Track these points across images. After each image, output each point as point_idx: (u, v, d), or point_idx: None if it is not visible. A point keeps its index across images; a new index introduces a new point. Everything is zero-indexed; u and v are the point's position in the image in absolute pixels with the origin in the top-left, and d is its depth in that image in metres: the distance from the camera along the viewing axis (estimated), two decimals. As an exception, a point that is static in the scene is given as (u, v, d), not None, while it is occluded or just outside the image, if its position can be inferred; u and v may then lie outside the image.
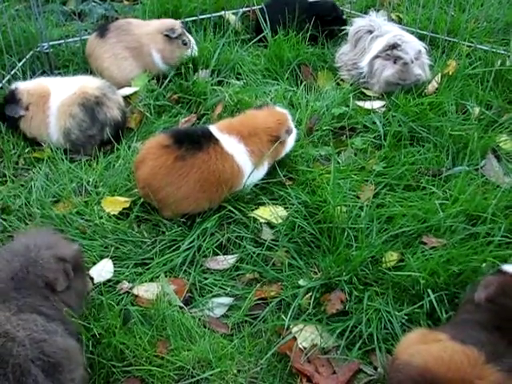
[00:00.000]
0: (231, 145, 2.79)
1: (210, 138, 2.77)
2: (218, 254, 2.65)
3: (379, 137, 3.29)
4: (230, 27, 4.17)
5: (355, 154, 3.21)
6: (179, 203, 2.72)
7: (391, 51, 3.61)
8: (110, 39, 3.67)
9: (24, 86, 3.25)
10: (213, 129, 2.84)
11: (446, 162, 3.12)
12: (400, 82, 3.60)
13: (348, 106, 3.48)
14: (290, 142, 3.00)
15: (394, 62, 3.60)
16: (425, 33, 4.11)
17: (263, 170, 2.92)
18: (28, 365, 1.74)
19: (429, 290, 2.36)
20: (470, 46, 3.99)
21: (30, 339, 1.79)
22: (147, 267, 2.58)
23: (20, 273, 1.97)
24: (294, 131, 3.02)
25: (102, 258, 2.59)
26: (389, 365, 2.13)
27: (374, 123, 3.36)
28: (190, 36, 3.81)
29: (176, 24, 3.73)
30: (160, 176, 2.69)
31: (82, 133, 3.19)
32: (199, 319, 2.37)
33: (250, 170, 2.83)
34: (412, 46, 3.65)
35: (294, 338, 2.28)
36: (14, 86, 3.29)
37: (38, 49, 3.87)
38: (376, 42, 3.76)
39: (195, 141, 2.74)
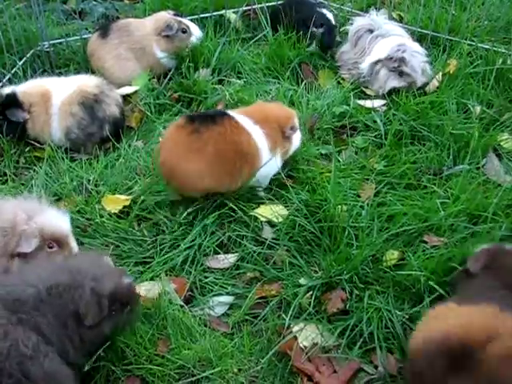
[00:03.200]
0: (248, 124, 2.78)
1: (225, 115, 2.78)
2: (218, 253, 2.65)
3: (380, 135, 3.29)
4: (231, 26, 4.16)
5: (356, 153, 3.21)
6: (199, 180, 2.69)
7: (398, 65, 3.60)
8: (112, 40, 3.67)
9: (22, 89, 3.21)
10: (229, 111, 2.86)
11: (447, 161, 3.12)
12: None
13: (349, 105, 3.47)
14: (296, 141, 2.99)
15: (400, 75, 3.61)
16: (426, 32, 4.10)
17: (278, 161, 2.89)
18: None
19: (432, 286, 2.36)
20: (471, 45, 3.98)
21: (12, 350, 1.76)
22: (148, 266, 2.58)
23: (57, 289, 1.94)
24: (299, 131, 3.01)
25: (102, 256, 2.60)
26: (407, 360, 2.11)
27: (375, 122, 3.35)
28: (185, 20, 3.79)
29: (169, 19, 3.71)
30: (176, 153, 2.67)
31: (81, 131, 3.18)
32: (200, 318, 2.38)
33: (267, 152, 2.81)
34: (418, 60, 3.65)
35: (295, 337, 2.28)
36: (9, 90, 3.20)
37: (39, 48, 3.86)
38: (377, 43, 3.75)
39: (209, 116, 2.75)
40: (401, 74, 3.61)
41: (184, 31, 3.74)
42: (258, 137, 2.78)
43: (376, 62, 3.69)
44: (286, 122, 2.90)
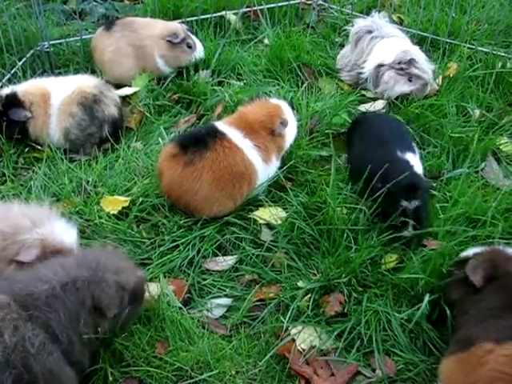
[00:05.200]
0: (238, 139, 2.78)
1: (216, 134, 2.76)
2: (217, 255, 2.65)
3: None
4: (231, 27, 4.16)
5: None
6: (202, 207, 2.72)
7: (407, 67, 3.55)
8: (115, 33, 3.66)
9: (22, 88, 3.19)
10: (219, 124, 2.85)
11: (446, 165, 3.12)
12: (414, 97, 3.57)
13: (349, 113, 3.45)
14: (290, 133, 2.95)
15: (410, 80, 3.56)
16: (426, 34, 4.10)
17: (274, 165, 2.89)
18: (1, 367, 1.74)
19: (430, 289, 2.36)
20: (470, 48, 3.98)
21: (18, 345, 1.78)
22: (147, 268, 2.57)
23: (74, 284, 1.93)
24: (293, 122, 2.97)
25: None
26: None
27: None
28: (194, 37, 3.78)
29: (179, 28, 3.70)
30: (176, 186, 2.71)
31: (81, 132, 3.18)
32: (198, 320, 2.37)
33: (262, 165, 2.81)
34: (426, 63, 3.64)
35: (293, 340, 2.28)
36: (9, 89, 3.19)
37: (39, 48, 3.85)
38: (377, 44, 3.74)
39: (201, 141, 2.74)
40: (410, 78, 3.56)
41: (189, 46, 3.72)
42: (250, 152, 2.78)
43: (380, 66, 3.65)
44: (273, 121, 2.85)
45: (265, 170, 2.85)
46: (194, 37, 3.79)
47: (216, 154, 2.71)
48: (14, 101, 3.15)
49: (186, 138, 2.83)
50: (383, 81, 3.62)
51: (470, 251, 2.33)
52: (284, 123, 2.90)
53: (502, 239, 2.56)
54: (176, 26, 3.75)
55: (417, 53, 3.66)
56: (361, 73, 3.76)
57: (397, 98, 3.58)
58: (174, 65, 3.75)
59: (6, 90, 3.20)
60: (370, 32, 3.84)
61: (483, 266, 2.15)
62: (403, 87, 3.57)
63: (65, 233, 2.34)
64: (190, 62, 3.76)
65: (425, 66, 3.60)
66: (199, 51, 3.78)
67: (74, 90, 3.20)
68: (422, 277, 2.37)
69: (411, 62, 3.55)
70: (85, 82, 3.27)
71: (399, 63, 3.57)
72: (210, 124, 2.94)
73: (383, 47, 3.71)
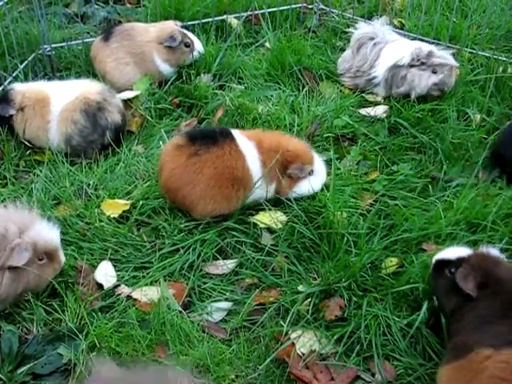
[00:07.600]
0: (246, 146, 2.76)
1: (227, 136, 2.76)
2: (217, 259, 2.65)
3: (382, 142, 3.29)
4: (233, 31, 4.17)
5: (358, 162, 3.19)
6: (197, 203, 2.71)
7: (427, 59, 3.52)
8: (113, 43, 3.67)
9: (20, 88, 3.22)
10: (233, 130, 2.84)
11: (446, 169, 3.11)
12: (443, 89, 3.56)
13: (350, 116, 3.45)
14: (303, 186, 2.84)
15: (434, 72, 3.53)
16: (427, 39, 4.10)
17: (264, 190, 2.81)
18: None
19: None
20: (471, 53, 3.99)
21: None
22: (147, 271, 2.58)
23: None
24: (313, 182, 2.84)
25: (101, 261, 2.60)
26: None
27: (378, 135, 3.34)
28: (191, 35, 3.78)
29: (174, 30, 3.70)
30: (176, 177, 2.70)
31: (83, 138, 3.17)
32: (198, 324, 2.37)
33: (259, 180, 2.77)
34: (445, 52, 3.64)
35: (293, 344, 2.28)
36: (11, 86, 3.27)
37: (40, 51, 3.87)
38: (386, 47, 3.71)
39: (211, 136, 2.74)
40: (434, 70, 3.52)
41: (187, 45, 3.73)
42: (253, 162, 2.74)
43: (396, 67, 3.61)
44: (294, 159, 2.78)
45: (262, 187, 2.79)
46: (190, 34, 3.79)
47: (222, 151, 2.70)
48: (4, 96, 3.21)
49: (197, 132, 2.85)
50: (407, 81, 3.57)
51: (449, 252, 2.28)
52: (301, 170, 2.79)
53: (502, 245, 2.56)
54: (171, 26, 3.75)
55: (431, 48, 3.63)
56: (370, 79, 3.74)
57: (404, 97, 3.58)
58: (175, 66, 3.77)
59: (11, 86, 3.27)
60: (372, 39, 3.83)
61: (474, 274, 2.10)
62: (430, 80, 3.53)
63: (51, 233, 2.38)
64: (191, 60, 3.78)
65: (444, 54, 3.58)
66: (198, 47, 3.79)
67: (77, 96, 3.19)
68: (422, 286, 2.37)
69: (429, 54, 3.53)
70: (89, 89, 3.25)
71: (418, 60, 3.54)
72: (225, 127, 2.94)
73: (394, 49, 3.69)
